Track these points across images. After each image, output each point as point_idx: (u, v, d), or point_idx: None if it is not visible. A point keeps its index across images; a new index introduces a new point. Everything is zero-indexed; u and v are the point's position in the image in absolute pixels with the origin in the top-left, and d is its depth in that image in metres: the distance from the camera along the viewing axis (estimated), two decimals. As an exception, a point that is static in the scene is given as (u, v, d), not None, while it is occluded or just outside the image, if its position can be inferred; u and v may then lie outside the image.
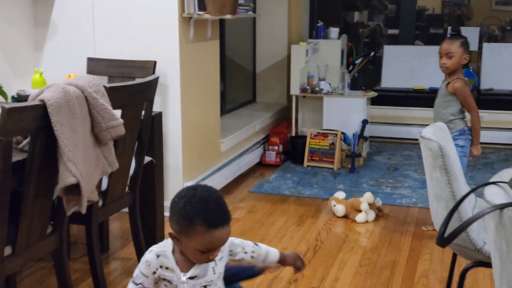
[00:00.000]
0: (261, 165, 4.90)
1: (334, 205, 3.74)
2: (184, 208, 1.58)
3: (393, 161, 5.00)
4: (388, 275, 2.94)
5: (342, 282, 2.86)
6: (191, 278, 1.66)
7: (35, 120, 1.96)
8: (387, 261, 3.10)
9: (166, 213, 3.63)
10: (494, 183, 1.20)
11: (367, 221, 3.65)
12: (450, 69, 3.27)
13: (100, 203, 2.54)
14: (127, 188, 2.76)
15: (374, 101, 5.31)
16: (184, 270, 1.66)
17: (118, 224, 3.54)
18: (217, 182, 4.06)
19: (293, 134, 5.20)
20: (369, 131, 5.16)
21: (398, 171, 4.71)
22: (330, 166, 4.79)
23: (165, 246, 1.70)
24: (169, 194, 3.68)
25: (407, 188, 4.31)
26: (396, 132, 5.62)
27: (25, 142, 2.12)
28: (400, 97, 5.66)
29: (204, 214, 1.57)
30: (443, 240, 1.18)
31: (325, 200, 4.02)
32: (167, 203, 3.59)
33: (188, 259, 1.66)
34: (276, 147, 4.91)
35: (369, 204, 3.67)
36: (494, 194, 1.13)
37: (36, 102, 1.97)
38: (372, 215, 3.66)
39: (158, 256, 1.68)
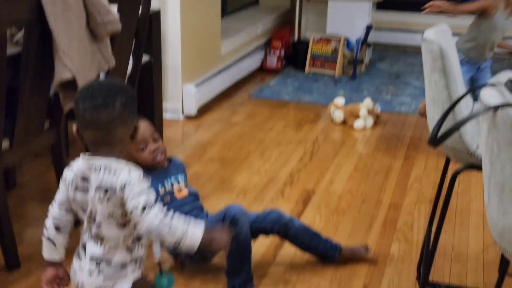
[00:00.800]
0: (262, 70, 4.85)
1: (333, 111, 3.74)
2: (131, 96, 1.45)
3: (395, 69, 4.94)
4: (382, 179, 2.99)
5: (336, 185, 2.92)
6: None
7: (29, 11, 1.91)
8: (382, 166, 3.15)
9: (165, 115, 3.66)
10: (491, 85, 1.18)
11: (365, 128, 3.66)
12: None
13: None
14: (125, 87, 2.74)
15: (379, 6, 5.16)
16: None
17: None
18: (217, 85, 4.04)
19: (296, 39, 5.11)
20: (373, 37, 5.05)
21: (400, 78, 4.67)
22: (332, 72, 4.75)
23: (120, 162, 1.44)
24: (168, 95, 3.68)
25: (407, 95, 4.29)
26: (401, 38, 5.49)
27: (19, 35, 2.08)
28: (404, 1, 5.49)
29: (85, 94, 1.39)
30: (436, 140, 1.18)
31: (325, 106, 4.01)
32: (164, 104, 3.61)
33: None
34: (277, 52, 4.84)
35: (368, 111, 3.67)
36: (490, 96, 1.12)
37: (29, -7, 1.91)
38: (370, 121, 3.67)
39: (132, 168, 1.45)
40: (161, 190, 2.04)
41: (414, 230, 2.51)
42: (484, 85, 1.19)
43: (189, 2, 3.60)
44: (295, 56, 4.93)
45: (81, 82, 2.07)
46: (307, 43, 4.86)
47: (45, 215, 1.52)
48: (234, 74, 4.33)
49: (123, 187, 1.38)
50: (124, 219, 1.42)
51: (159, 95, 3.09)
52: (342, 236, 2.44)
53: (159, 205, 1.39)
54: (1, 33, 1.83)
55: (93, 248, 1.44)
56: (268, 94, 4.28)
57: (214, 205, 2.55)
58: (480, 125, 1.19)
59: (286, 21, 5.38)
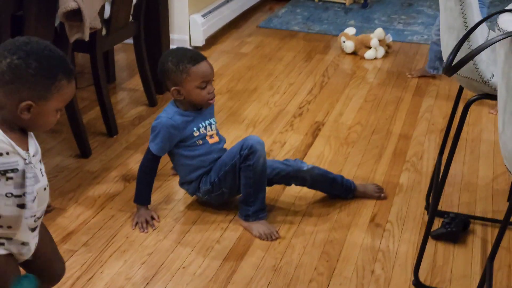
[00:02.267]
0: (270, -1, 4.73)
1: (344, 41, 3.67)
2: (28, 66, 1.21)
3: (408, -3, 4.81)
4: (392, 110, 2.97)
5: (346, 116, 2.90)
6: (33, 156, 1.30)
7: None
8: (393, 97, 3.11)
9: (172, 46, 3.59)
10: (508, 10, 1.14)
11: (376, 58, 3.60)
12: None
13: (104, 32, 2.49)
14: (131, 18, 2.68)
15: None
16: (24, 148, 1.27)
17: (124, 55, 3.52)
18: (225, 15, 3.96)
19: (305, -34, 4.94)
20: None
21: (412, 7, 4.55)
22: (342, 0, 4.62)
23: None
24: (175, 26, 3.61)
25: (419, 24, 4.19)
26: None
27: (21, -37, 2.02)
28: None
29: (62, 64, 1.26)
30: (451, 68, 1.15)
31: (335, 36, 3.93)
32: (171, 36, 3.55)
33: (20, 134, 1.28)
34: (286, -20, 4.70)
35: (379, 41, 3.60)
36: (507, 21, 1.08)
37: None
38: (381, 51, 3.61)
39: None
40: (195, 133, 2.04)
41: (423, 160, 2.51)
42: (502, 11, 1.15)
43: None
44: (305, -16, 4.79)
45: (86, 12, 2.02)
46: (317, -29, 4.70)
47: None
48: (242, 3, 4.23)
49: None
50: None
51: (165, 25, 3.02)
52: (351, 166, 2.45)
53: None
54: (3, -40, 1.77)
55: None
56: (277, 24, 4.19)
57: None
58: (496, 53, 1.16)
59: None
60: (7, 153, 1.22)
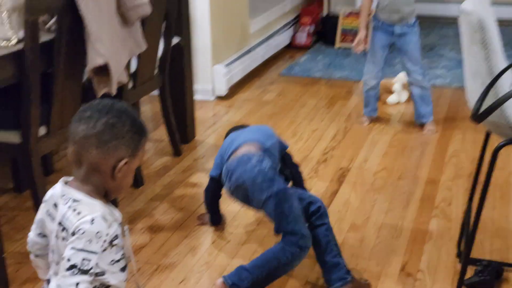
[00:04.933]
0: (291, 47, 4.80)
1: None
2: (124, 124, 1.25)
3: (429, 41, 4.83)
4: (418, 155, 2.94)
5: (371, 162, 2.88)
6: None
7: (60, -1, 1.92)
8: (418, 142, 3.09)
9: (196, 96, 3.65)
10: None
11: (399, 102, 3.60)
12: None
13: (130, 85, 2.54)
14: (156, 70, 2.74)
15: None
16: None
17: (150, 107, 3.58)
18: (247, 64, 4.02)
19: (325, 13, 5.03)
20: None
21: (434, 51, 4.57)
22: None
23: (93, 203, 1.25)
24: (199, 76, 3.67)
25: (442, 68, 4.19)
26: (434, 10, 5.36)
27: (52, 21, 2.09)
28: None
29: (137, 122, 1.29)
30: (478, 116, 1.14)
31: (357, 82, 3.96)
32: (195, 86, 3.61)
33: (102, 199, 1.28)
34: (307, 28, 4.78)
35: (402, 85, 3.60)
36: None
37: (59, -20, 1.91)
38: (404, 96, 3.61)
39: (104, 218, 1.23)
40: None
41: (452, 206, 2.46)
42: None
43: (216, -19, 3.56)
44: (325, 31, 4.86)
45: (113, 67, 2.07)
46: (337, 18, 4.78)
47: None
48: (263, 52, 4.30)
49: (74, 232, 1.20)
50: None
51: (189, 76, 3.08)
52: (378, 213, 2.42)
53: (88, 280, 1.19)
54: (34, 22, 1.84)
55: (52, 283, 1.27)
56: (298, 72, 4.24)
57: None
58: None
59: (314, -4, 5.29)
60: (112, 222, 1.24)
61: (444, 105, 3.57)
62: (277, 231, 1.93)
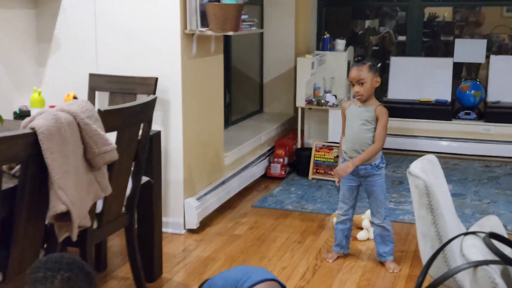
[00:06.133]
0: (266, 178, 4.88)
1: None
2: (77, 274, 1.38)
3: (398, 174, 4.95)
4: (386, 297, 2.91)
5: (339, 304, 2.84)
6: None
7: (26, 148, 1.97)
8: (386, 282, 3.07)
9: (167, 229, 3.64)
10: (473, 233, 1.17)
11: (368, 239, 3.62)
12: (365, 95, 3.14)
13: (95, 225, 2.54)
14: (123, 209, 2.75)
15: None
16: None
17: (118, 241, 3.55)
18: (220, 196, 4.06)
19: (299, 146, 5.18)
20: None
21: (403, 185, 4.67)
22: (335, 179, 4.76)
23: None
24: (170, 210, 3.69)
25: (410, 203, 4.25)
26: (403, 144, 5.57)
27: (17, 167, 2.13)
28: (406, 109, 5.62)
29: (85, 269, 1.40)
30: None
31: (328, 215, 3.99)
32: (166, 219, 3.61)
33: None
34: (281, 159, 4.90)
35: (371, 222, 3.63)
36: (471, 247, 1.11)
37: (27, 130, 1.97)
38: (373, 232, 3.62)
39: None
40: None
41: None
42: (467, 233, 1.19)
43: (191, 118, 3.69)
44: (299, 163, 4.98)
45: (75, 213, 2.08)
46: (310, 150, 4.92)
47: None
48: (238, 183, 4.36)
49: None
50: None
51: (158, 212, 3.09)
52: None
53: None
54: (-3, 171, 1.87)
55: None
56: (271, 204, 4.28)
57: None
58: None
59: (289, 128, 5.48)
60: None
61: (412, 241, 3.59)
62: None
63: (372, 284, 3.05)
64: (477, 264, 1.02)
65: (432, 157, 1.82)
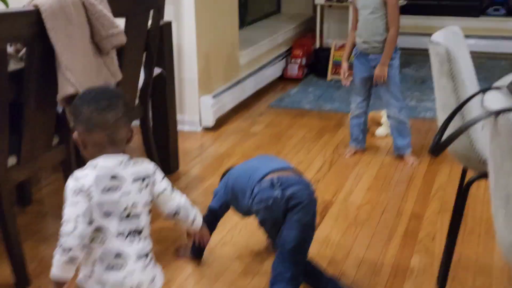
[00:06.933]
0: (283, 79, 4.79)
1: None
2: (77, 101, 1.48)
3: (421, 74, 4.81)
4: (403, 189, 2.88)
5: (355, 195, 2.82)
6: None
7: (30, 27, 1.90)
8: (404, 175, 3.04)
9: (183, 127, 3.63)
10: (495, 88, 1.09)
11: (387, 135, 3.56)
12: None
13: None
14: (137, 101, 2.71)
15: (403, 10, 5.03)
16: None
17: (135, 138, 3.54)
18: (236, 96, 4.00)
19: (317, 46, 5.03)
20: (398, 42, 4.91)
21: (426, 83, 4.54)
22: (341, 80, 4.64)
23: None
24: (186, 107, 3.65)
25: (432, 101, 4.14)
26: (425, 43, 5.33)
27: (24, 50, 2.07)
28: (431, 6, 5.36)
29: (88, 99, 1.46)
30: (436, 148, 1.10)
31: (346, 114, 3.92)
32: (182, 117, 3.58)
33: None
34: (299, 60, 4.77)
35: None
36: (493, 99, 1.03)
37: (30, 8, 1.90)
38: (392, 128, 3.56)
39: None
40: None
41: (436, 241, 2.39)
42: (489, 88, 1.11)
43: (204, 14, 3.57)
44: (317, 64, 4.85)
45: (85, 97, 2.04)
46: (329, 50, 4.78)
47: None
48: (253, 84, 4.28)
49: (154, 172, 1.52)
50: (150, 206, 1.52)
51: (172, 107, 3.05)
52: (359, 249, 2.35)
53: None
54: (2, 49, 1.82)
55: (139, 247, 1.47)
56: (288, 103, 4.21)
57: (231, 217, 2.49)
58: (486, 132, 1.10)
59: (307, 29, 5.31)
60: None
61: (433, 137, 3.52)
62: (289, 254, 1.91)
63: (389, 177, 3.02)
64: (498, 112, 0.95)
65: (456, 28, 1.71)
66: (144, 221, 1.49)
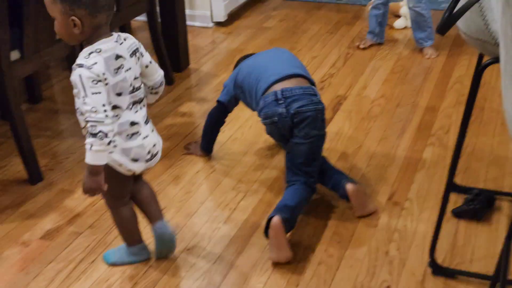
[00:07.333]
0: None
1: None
2: None
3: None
4: (420, 81, 2.80)
5: (370, 89, 2.75)
6: None
7: None
8: (422, 68, 2.94)
9: (194, 23, 3.52)
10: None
11: (405, 27, 3.42)
12: None
13: (114, 8, 2.42)
14: (142, -7, 2.61)
15: None
16: None
17: (143, 35, 3.46)
18: (249, -12, 3.84)
19: None
20: None
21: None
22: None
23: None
24: (196, 2, 3.53)
25: None
26: None
27: None
28: None
29: None
30: (443, 26, 1.02)
31: (364, 6, 3.75)
32: (193, 12, 3.47)
33: None
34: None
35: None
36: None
37: None
38: (411, 20, 3.41)
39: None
40: None
41: (450, 134, 2.35)
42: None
43: None
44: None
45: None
46: None
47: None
48: (268, -24, 4.08)
49: (140, 44, 1.57)
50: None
51: (181, 1, 2.93)
52: (371, 142, 2.32)
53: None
54: None
55: (143, 114, 1.58)
56: (304, -4, 4.04)
57: (241, 115, 2.47)
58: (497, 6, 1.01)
59: None
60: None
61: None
62: (300, 168, 1.87)
63: (406, 69, 2.93)
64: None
65: None
66: (142, 91, 1.58)
